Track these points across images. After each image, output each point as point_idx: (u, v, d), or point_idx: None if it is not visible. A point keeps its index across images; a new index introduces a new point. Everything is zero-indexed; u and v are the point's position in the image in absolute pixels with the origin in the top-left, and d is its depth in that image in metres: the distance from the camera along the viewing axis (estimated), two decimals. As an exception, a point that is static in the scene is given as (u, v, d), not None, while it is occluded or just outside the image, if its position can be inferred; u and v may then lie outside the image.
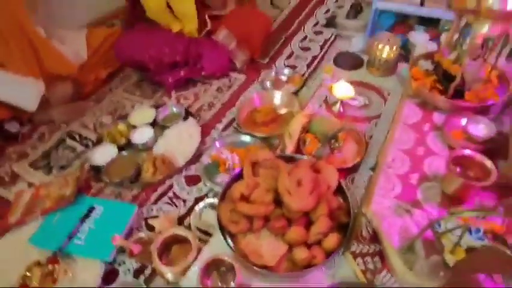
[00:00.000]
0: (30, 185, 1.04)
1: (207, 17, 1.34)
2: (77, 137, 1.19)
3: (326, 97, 1.08)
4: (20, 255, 0.82)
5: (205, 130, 1.15)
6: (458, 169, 0.72)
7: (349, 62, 1.21)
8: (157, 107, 1.22)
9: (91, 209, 0.90)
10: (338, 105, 1.02)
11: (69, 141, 1.17)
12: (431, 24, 1.40)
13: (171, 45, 1.26)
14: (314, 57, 1.46)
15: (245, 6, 1.49)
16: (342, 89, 0.99)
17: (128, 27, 1.44)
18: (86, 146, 1.15)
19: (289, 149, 0.88)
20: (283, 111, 1.17)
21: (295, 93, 1.24)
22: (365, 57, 1.26)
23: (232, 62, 1.38)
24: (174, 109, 1.21)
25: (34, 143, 1.18)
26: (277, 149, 0.96)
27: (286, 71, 1.35)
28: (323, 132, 0.89)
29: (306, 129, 0.92)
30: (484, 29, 0.74)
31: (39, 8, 1.23)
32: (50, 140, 1.18)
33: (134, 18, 1.39)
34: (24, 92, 1.14)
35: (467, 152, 0.71)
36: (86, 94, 1.34)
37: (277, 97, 1.20)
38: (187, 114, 1.19)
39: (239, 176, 0.79)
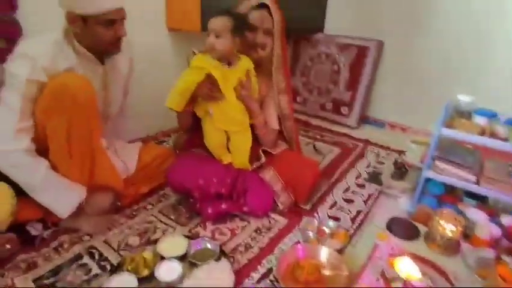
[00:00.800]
0: (25, 309, 0.87)
1: (260, 151, 1.38)
2: (96, 255, 1.07)
3: (383, 270, 0.95)
4: None
5: (238, 277, 1.01)
6: None
7: (403, 229, 1.13)
8: (190, 237, 1.13)
9: None
10: (400, 284, 0.88)
11: (86, 259, 1.05)
12: (481, 198, 1.36)
13: (220, 177, 1.26)
14: (358, 212, 1.39)
15: (293, 150, 1.54)
16: (406, 267, 0.87)
17: (181, 150, 1.50)
18: (104, 268, 1.02)
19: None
20: (329, 272, 1.03)
21: (340, 250, 1.13)
22: (420, 227, 1.18)
23: (275, 202, 1.34)
24: (208, 245, 1.10)
25: (49, 253, 1.06)
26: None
27: (331, 223, 1.27)
28: (388, 321, 0.73)
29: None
30: None
31: (108, 121, 1.32)
32: (68, 252, 1.07)
33: (188, 143, 1.46)
34: (64, 196, 1.10)
35: None
36: (121, 208, 1.28)
37: (323, 254, 1.08)
38: (221, 252, 1.08)
39: None
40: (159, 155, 1.47)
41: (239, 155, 1.34)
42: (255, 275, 1.03)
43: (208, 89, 1.18)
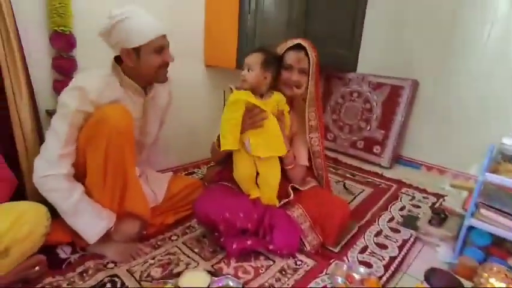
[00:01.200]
0: (45, 335, 0.87)
1: (289, 188, 1.36)
2: (119, 283, 1.06)
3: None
4: None
5: (260, 322, 0.94)
6: None
7: (445, 283, 1.02)
8: (212, 273, 1.09)
9: None
10: None
11: (109, 287, 1.04)
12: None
13: (247, 211, 1.23)
14: (392, 259, 1.29)
15: (323, 188, 1.50)
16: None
17: (210, 183, 1.50)
18: (124, 300, 1.00)
19: None
20: (359, 325, 0.94)
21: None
22: (463, 281, 1.07)
23: (302, 242, 1.28)
24: (231, 283, 1.05)
25: (74, 279, 1.07)
26: None
27: (361, 269, 1.18)
28: None
29: None
30: None
31: (143, 151, 1.37)
32: (91, 279, 1.07)
33: (218, 176, 1.47)
34: (94, 222, 1.13)
35: None
36: (147, 237, 1.29)
37: (353, 303, 1.00)
38: (243, 292, 1.03)
39: None
40: (187, 186, 1.48)
41: (268, 190, 1.32)
42: (278, 321, 0.97)
43: (249, 117, 1.20)
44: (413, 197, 1.86)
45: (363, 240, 1.41)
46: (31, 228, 1.00)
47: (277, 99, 1.27)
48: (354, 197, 1.81)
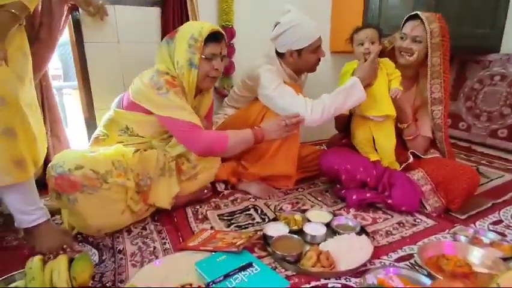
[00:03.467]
0: (212, 228, 1.22)
1: (409, 153, 1.42)
2: (259, 210, 1.36)
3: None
4: (185, 270, 0.95)
5: (377, 253, 1.06)
6: None
7: None
8: (334, 214, 1.27)
9: (249, 264, 0.95)
10: None
11: (252, 211, 1.36)
12: None
13: (367, 167, 1.36)
14: (535, 236, 1.18)
15: (447, 159, 1.47)
16: None
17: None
18: (263, 220, 1.29)
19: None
20: (481, 269, 0.95)
21: (504, 260, 1.00)
22: None
23: (422, 205, 1.31)
24: (350, 222, 1.20)
25: (228, 203, 1.43)
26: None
27: (491, 235, 1.14)
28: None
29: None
30: None
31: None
32: (240, 205, 1.41)
33: (339, 142, 1.64)
34: (357, 91, 1.33)
35: None
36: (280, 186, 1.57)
37: (477, 255, 1.00)
38: (362, 231, 1.16)
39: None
40: (313, 152, 1.71)
41: (384, 153, 1.42)
42: (394, 255, 1.06)
43: None
44: None
45: (497, 215, 1.32)
46: (210, 165, 1.39)
47: (383, 62, 1.39)
48: (490, 181, 1.66)
